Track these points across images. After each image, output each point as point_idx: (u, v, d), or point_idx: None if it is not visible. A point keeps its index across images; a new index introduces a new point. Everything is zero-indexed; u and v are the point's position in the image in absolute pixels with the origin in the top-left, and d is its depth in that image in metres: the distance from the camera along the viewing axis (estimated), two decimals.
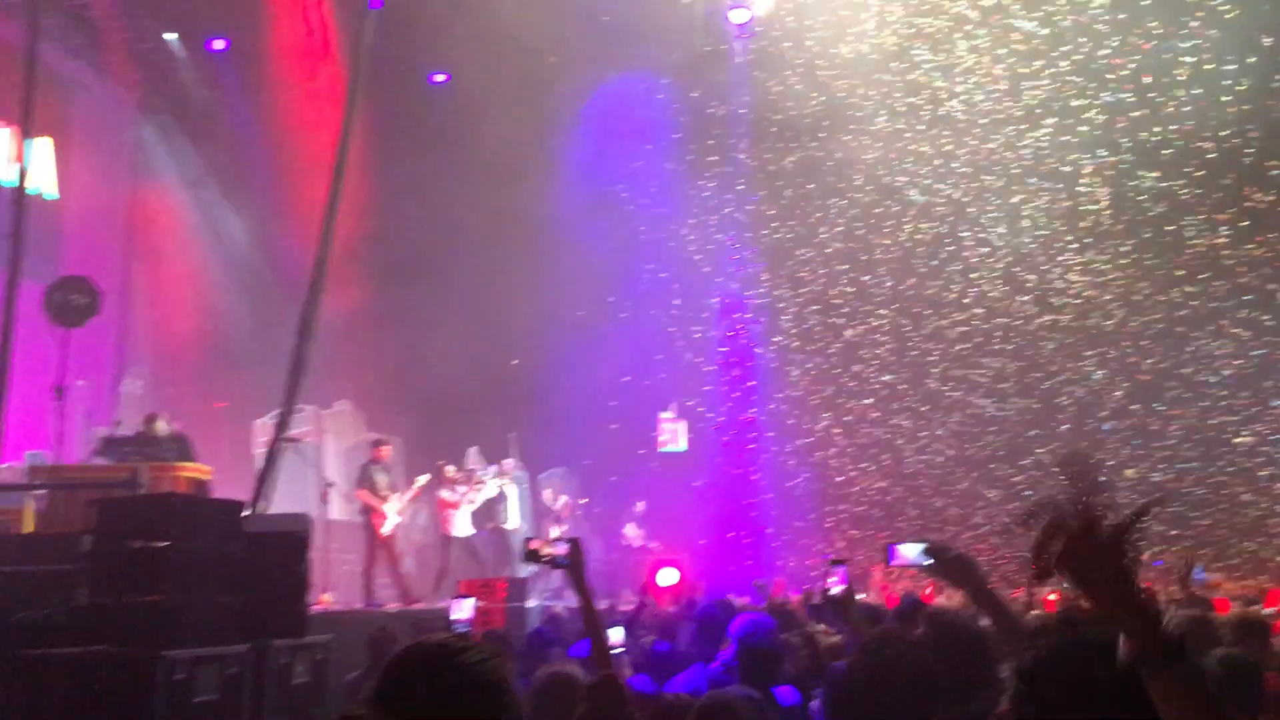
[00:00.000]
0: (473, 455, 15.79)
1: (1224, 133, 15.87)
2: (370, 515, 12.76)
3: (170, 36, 16.91)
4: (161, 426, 10.93)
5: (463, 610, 6.53)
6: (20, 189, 8.89)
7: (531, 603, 11.86)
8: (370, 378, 16.69)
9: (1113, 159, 16.45)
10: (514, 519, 15.23)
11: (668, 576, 14.41)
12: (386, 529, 12.74)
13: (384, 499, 12.81)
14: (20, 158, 9.39)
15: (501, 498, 15.06)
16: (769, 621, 5.06)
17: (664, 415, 16.80)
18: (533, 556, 3.49)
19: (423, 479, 13.77)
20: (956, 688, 3.64)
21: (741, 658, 4.59)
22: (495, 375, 15.91)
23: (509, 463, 15.49)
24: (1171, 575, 10.56)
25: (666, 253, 17.97)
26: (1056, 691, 1.96)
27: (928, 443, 17.21)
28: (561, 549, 3.42)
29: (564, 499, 16.09)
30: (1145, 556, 11.00)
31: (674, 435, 16.62)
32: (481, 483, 14.79)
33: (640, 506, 16.52)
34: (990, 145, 16.96)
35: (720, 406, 17.60)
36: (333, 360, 14.42)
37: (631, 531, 16.18)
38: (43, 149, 14.70)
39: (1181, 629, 2.07)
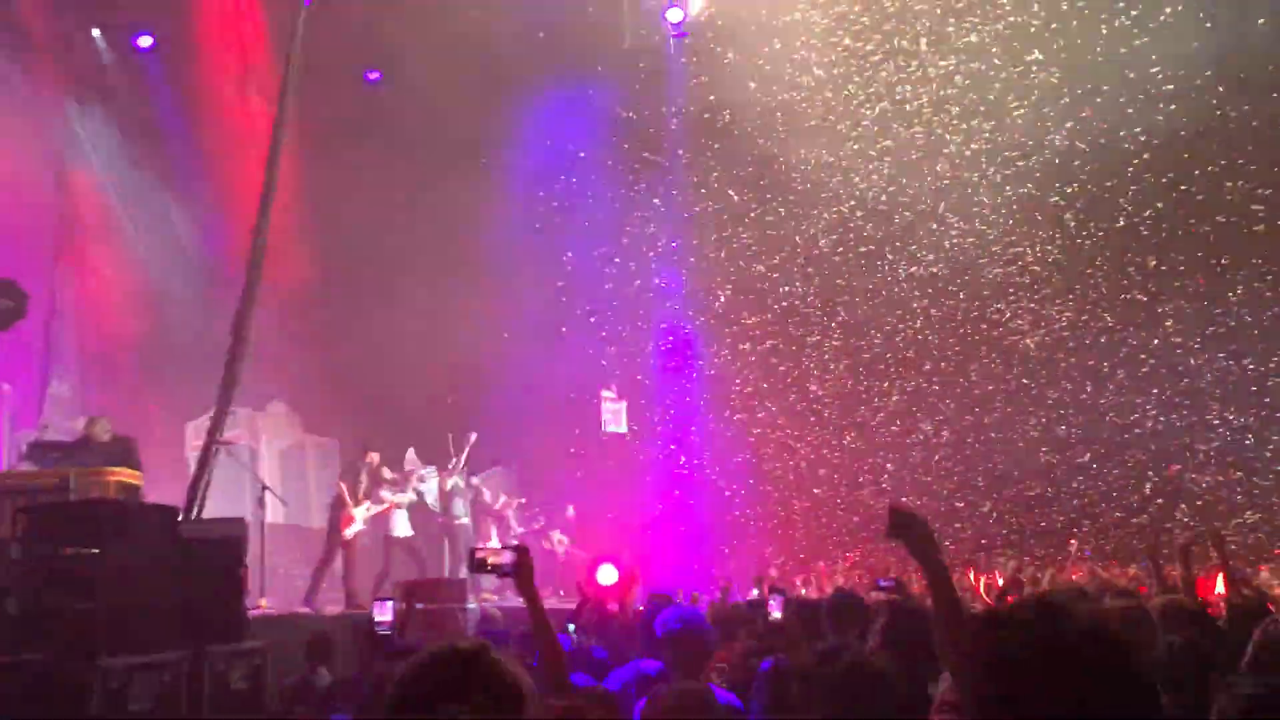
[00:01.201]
0: (411, 456, 15.70)
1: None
2: (340, 513, 12.73)
3: (95, 32, 16.60)
4: (102, 430, 10.64)
5: (384, 613, 6.61)
6: None
7: (471, 604, 11.83)
8: (306, 378, 16.49)
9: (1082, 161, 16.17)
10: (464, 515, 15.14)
11: (607, 575, 14.38)
12: (350, 532, 12.73)
13: (359, 502, 12.80)
14: None
15: (457, 492, 14.95)
16: (694, 612, 5.10)
17: (606, 394, 16.72)
18: (479, 566, 3.49)
19: (402, 496, 13.68)
20: (916, 675, 3.75)
21: (669, 648, 4.60)
22: (432, 376, 15.78)
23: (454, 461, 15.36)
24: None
25: (607, 259, 17.77)
26: None
27: (873, 448, 17.33)
28: (508, 557, 3.43)
29: (504, 498, 16.04)
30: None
31: (615, 415, 16.59)
32: (424, 479, 14.75)
33: (571, 511, 16.49)
34: (947, 142, 16.81)
35: (662, 401, 17.65)
36: (267, 361, 14.25)
37: (558, 538, 16.09)
38: None
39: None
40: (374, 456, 13.35)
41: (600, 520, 16.29)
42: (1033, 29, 16.20)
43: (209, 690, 6.93)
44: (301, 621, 10.51)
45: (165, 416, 15.34)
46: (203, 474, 8.70)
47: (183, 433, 15.65)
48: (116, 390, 14.95)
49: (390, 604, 6.54)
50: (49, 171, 16.41)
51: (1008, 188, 16.67)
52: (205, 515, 10.47)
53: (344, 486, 12.89)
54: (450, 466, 14.92)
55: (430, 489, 15.12)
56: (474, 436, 15.12)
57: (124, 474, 9.54)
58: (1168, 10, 15.50)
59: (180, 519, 8.00)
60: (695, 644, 4.57)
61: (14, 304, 9.48)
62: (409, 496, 13.94)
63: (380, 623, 6.32)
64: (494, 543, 15.04)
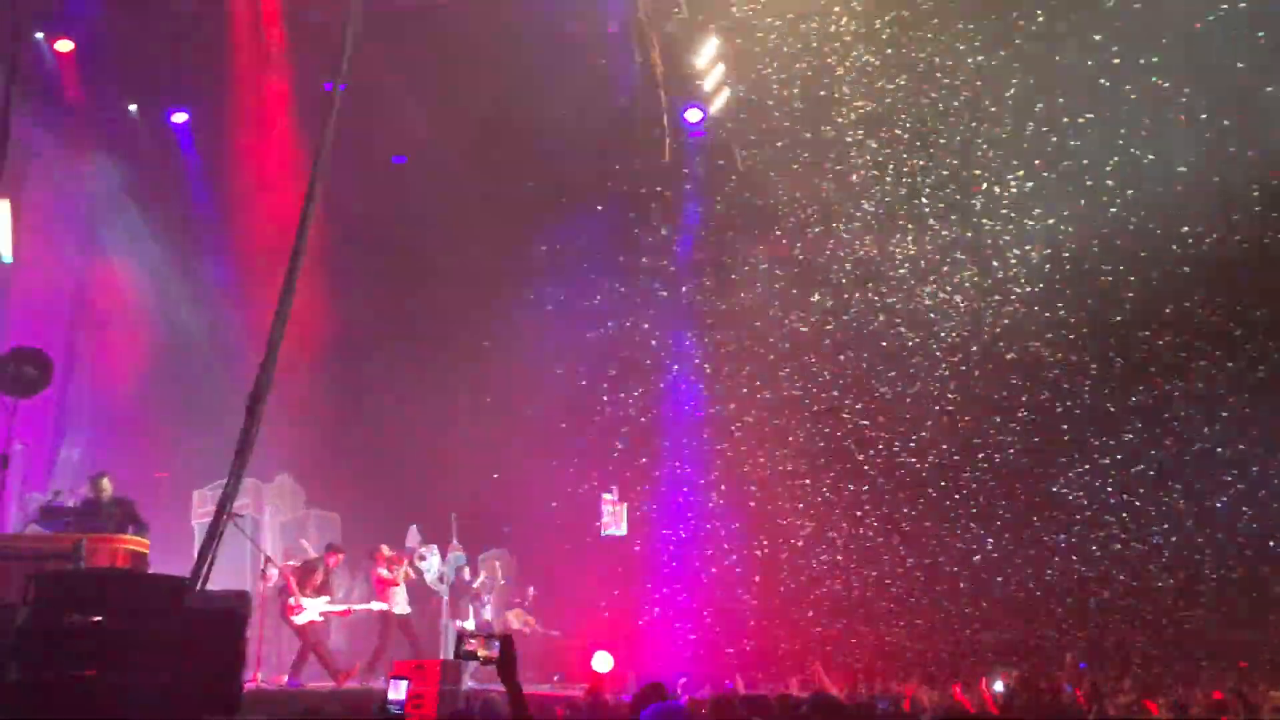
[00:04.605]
0: (413, 533, 15.78)
1: None
2: (284, 599, 12.79)
3: (131, 107, 17.08)
4: (107, 486, 10.97)
5: (399, 691, 6.76)
6: None
7: (466, 685, 11.84)
8: (312, 452, 16.64)
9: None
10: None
11: (602, 662, 14.52)
12: (300, 620, 12.79)
13: (316, 594, 12.90)
14: None
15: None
16: (680, 708, 5.22)
17: (606, 497, 16.71)
18: (468, 656, 3.68)
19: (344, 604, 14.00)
20: None
21: None
22: (438, 456, 15.92)
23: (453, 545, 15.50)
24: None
25: (620, 349, 17.76)
26: None
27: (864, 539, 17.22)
28: (494, 649, 3.62)
29: (482, 577, 15.99)
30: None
31: (615, 518, 16.54)
32: (424, 558, 14.83)
33: (532, 592, 16.53)
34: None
35: (661, 497, 17.57)
36: (274, 433, 14.40)
37: (516, 620, 16.04)
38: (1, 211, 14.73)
39: None
40: (337, 560, 13.54)
41: (594, 608, 16.25)
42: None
43: None
44: (294, 697, 10.54)
45: (173, 483, 15.49)
46: (211, 545, 8.80)
47: (189, 499, 15.77)
48: (126, 455, 15.10)
49: (405, 683, 6.72)
50: (74, 240, 16.80)
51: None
52: (209, 584, 10.56)
53: (291, 578, 12.96)
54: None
55: (430, 567, 15.18)
56: (454, 515, 15.43)
57: (133, 541, 9.67)
58: None
59: (186, 589, 8.09)
60: None
61: (38, 373, 9.73)
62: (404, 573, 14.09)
63: (394, 700, 6.49)
64: (470, 623, 15.08)
